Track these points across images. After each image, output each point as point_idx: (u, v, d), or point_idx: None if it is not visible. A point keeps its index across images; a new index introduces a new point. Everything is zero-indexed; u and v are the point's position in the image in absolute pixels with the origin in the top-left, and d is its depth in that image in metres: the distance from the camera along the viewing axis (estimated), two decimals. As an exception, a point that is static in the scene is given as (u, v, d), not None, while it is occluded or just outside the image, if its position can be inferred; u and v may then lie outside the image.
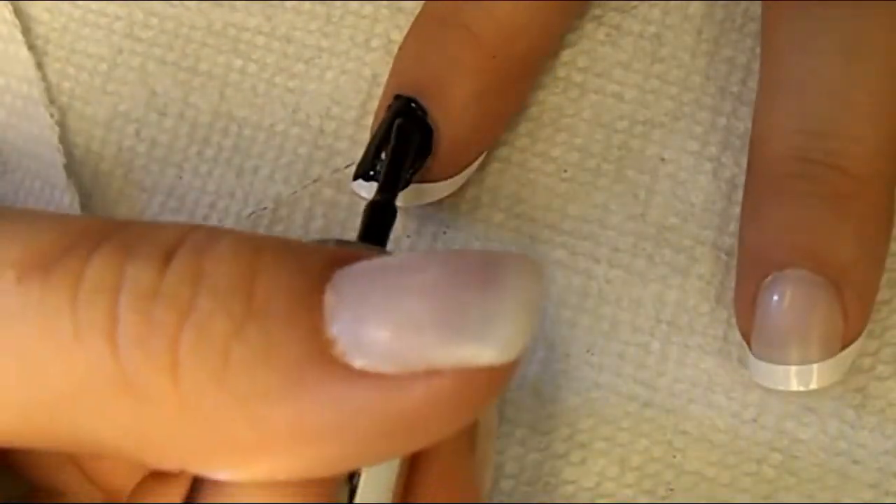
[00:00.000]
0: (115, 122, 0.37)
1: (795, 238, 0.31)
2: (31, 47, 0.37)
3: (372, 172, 0.32)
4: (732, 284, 0.33)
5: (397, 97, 0.33)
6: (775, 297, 0.31)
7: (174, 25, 0.37)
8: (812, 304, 0.30)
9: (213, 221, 0.36)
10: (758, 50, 0.34)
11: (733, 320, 0.33)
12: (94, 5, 0.37)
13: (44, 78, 0.37)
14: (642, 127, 0.35)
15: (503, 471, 0.34)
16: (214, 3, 0.37)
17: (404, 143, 0.31)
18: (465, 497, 0.26)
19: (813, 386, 0.31)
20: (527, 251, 0.35)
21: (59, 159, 0.36)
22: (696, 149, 0.35)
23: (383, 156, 0.32)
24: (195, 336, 0.22)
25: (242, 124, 0.36)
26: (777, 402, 0.33)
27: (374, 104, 0.35)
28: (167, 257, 0.23)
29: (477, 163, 0.34)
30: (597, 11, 0.36)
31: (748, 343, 0.32)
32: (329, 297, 0.22)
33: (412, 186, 0.32)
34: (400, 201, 0.32)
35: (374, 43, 0.36)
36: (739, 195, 0.34)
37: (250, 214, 0.36)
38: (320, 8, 0.37)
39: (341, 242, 0.28)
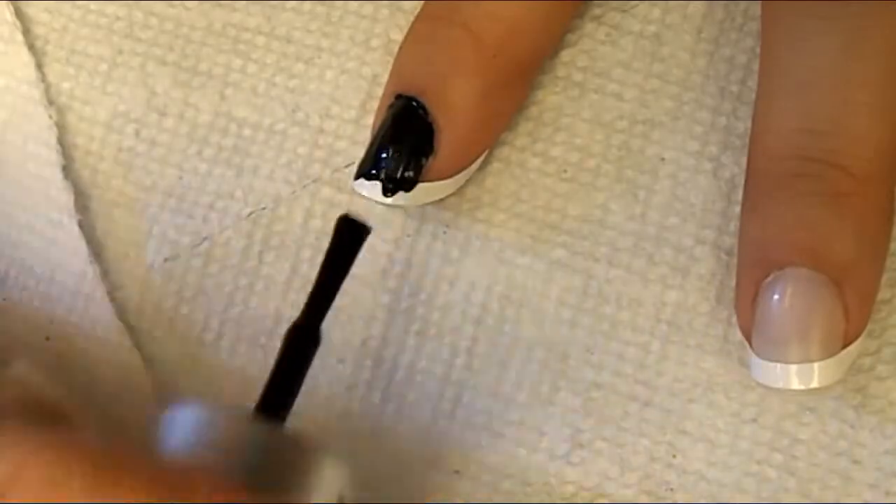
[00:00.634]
0: (115, 122, 0.37)
1: (796, 236, 0.31)
2: (31, 47, 0.37)
3: (374, 171, 0.32)
4: (732, 284, 0.33)
5: (399, 97, 0.33)
6: (776, 296, 0.31)
7: (174, 26, 0.37)
8: (813, 303, 0.30)
9: (213, 221, 0.36)
10: (758, 49, 0.34)
11: (733, 320, 0.33)
12: (93, 5, 0.37)
13: (43, 79, 0.37)
14: (642, 126, 0.35)
15: (504, 471, 0.34)
16: (214, 4, 0.37)
17: (344, 259, 0.30)
18: None
19: (814, 385, 0.31)
20: (527, 251, 0.35)
21: (58, 160, 0.36)
22: (696, 149, 0.35)
23: (385, 155, 0.32)
24: None
25: (242, 124, 0.36)
26: (777, 402, 0.33)
27: (374, 104, 0.35)
28: None
29: (479, 161, 0.34)
30: (597, 11, 0.36)
31: (749, 342, 0.32)
32: None
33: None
34: (402, 200, 0.32)
35: (374, 43, 0.36)
36: (739, 195, 0.33)
37: (250, 214, 0.36)
38: (320, 8, 0.37)
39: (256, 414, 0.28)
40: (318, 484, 0.27)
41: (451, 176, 0.33)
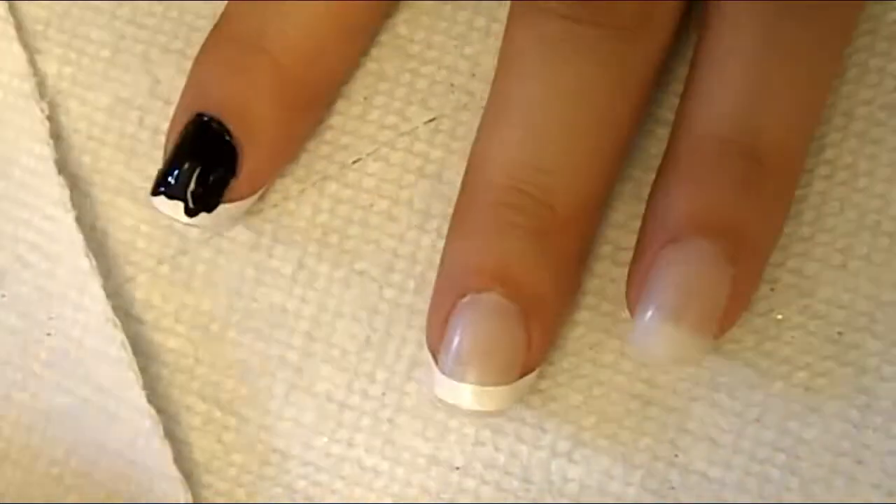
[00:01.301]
0: (118, 109, 0.37)
1: (497, 263, 0.31)
2: (32, 32, 0.37)
3: (175, 190, 0.33)
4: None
5: (200, 115, 0.33)
6: (467, 318, 0.31)
7: (178, 13, 0.37)
8: (499, 330, 0.31)
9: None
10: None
11: (738, 320, 0.33)
12: (96, -9, 0.37)
13: (35, 73, 0.37)
14: (647, 124, 0.35)
15: (506, 469, 0.34)
16: (219, -8, 0.37)
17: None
18: None
19: (487, 408, 0.31)
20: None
21: (51, 154, 0.36)
22: (703, 146, 0.35)
23: (178, 170, 0.33)
24: None
25: (248, 117, 0.36)
26: (780, 402, 0.33)
27: (380, 99, 0.35)
28: None
29: (274, 179, 0.35)
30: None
31: (434, 358, 0.32)
32: None
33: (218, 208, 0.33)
34: (200, 221, 0.33)
35: (381, 37, 0.36)
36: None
37: (259, 212, 0.36)
38: None
39: None
40: None
41: (249, 196, 0.34)
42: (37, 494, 0.35)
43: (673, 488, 0.33)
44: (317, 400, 0.35)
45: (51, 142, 0.36)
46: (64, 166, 0.36)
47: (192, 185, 0.33)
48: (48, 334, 0.35)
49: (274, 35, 0.33)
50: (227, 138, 0.33)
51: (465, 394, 0.31)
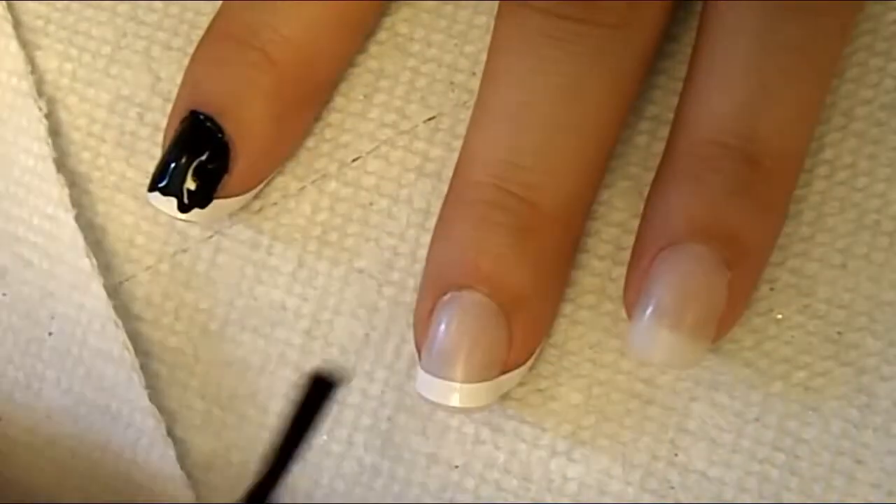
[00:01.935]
0: (118, 106, 0.37)
1: (479, 262, 0.32)
2: (32, 29, 0.37)
3: (168, 186, 0.33)
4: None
5: (194, 113, 0.33)
6: (448, 316, 0.32)
7: (179, 10, 0.37)
8: (480, 328, 0.31)
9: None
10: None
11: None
12: (96, -13, 0.37)
13: (35, 70, 0.37)
14: (648, 123, 0.35)
15: (505, 467, 0.34)
16: (220, -11, 0.37)
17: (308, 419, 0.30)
18: None
19: (467, 405, 0.32)
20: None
21: (49, 153, 0.36)
22: (703, 145, 0.35)
23: (173, 166, 0.33)
24: None
25: (247, 114, 0.36)
26: (780, 402, 0.33)
27: (380, 97, 0.35)
28: None
29: (269, 176, 0.35)
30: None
31: (419, 354, 0.32)
32: None
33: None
34: (196, 217, 0.33)
35: (381, 36, 0.36)
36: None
37: (259, 210, 0.36)
38: (327, -2, 0.36)
39: None
40: None
41: (243, 193, 0.34)
42: (39, 494, 0.36)
43: (672, 488, 0.33)
44: (317, 398, 0.35)
45: (49, 140, 0.36)
46: (64, 163, 0.36)
47: (186, 182, 0.33)
48: (50, 333, 0.35)
49: (268, 33, 0.33)
50: (220, 135, 0.33)
51: (446, 390, 0.31)
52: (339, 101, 0.36)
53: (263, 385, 0.35)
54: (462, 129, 0.34)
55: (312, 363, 0.35)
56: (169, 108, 0.35)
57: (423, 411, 0.34)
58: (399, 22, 0.36)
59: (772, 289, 0.33)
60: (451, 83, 0.36)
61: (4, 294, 0.36)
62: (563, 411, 0.34)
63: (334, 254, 0.35)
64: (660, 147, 0.34)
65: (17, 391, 0.36)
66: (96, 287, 0.35)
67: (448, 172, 0.34)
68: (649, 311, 0.31)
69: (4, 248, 0.36)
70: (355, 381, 0.35)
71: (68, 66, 0.37)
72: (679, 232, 0.31)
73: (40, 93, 0.36)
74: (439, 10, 0.36)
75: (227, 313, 0.35)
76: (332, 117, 0.36)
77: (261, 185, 0.35)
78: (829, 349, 0.33)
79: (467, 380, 0.31)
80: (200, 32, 0.36)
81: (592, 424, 0.34)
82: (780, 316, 0.33)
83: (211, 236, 0.36)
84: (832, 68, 0.33)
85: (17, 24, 0.37)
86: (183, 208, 0.33)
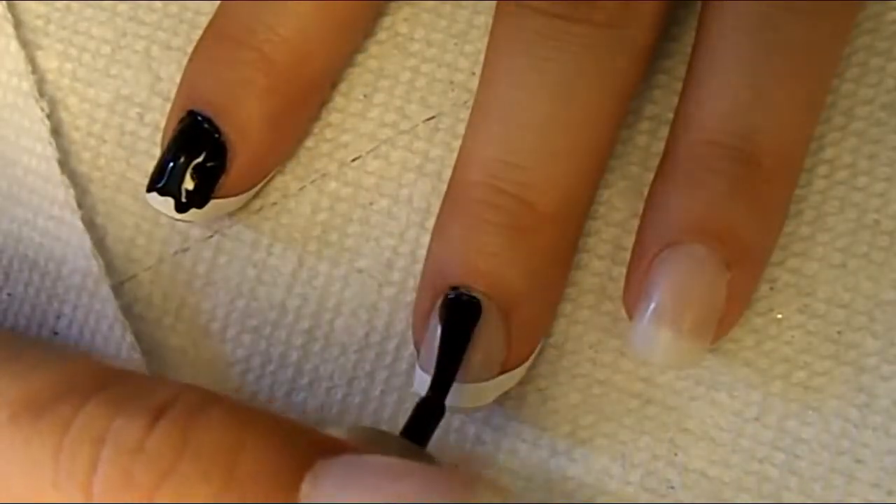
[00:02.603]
0: (119, 106, 0.37)
1: (476, 261, 0.32)
2: (33, 28, 0.37)
3: (166, 185, 0.33)
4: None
5: (191, 113, 0.34)
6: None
7: (179, 10, 0.37)
8: (479, 328, 0.31)
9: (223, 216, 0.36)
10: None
11: (737, 318, 0.33)
12: (96, -13, 0.37)
13: (35, 70, 0.37)
14: (649, 123, 0.35)
15: (504, 467, 0.34)
16: (220, -11, 0.37)
17: (460, 338, 0.31)
18: None
19: (466, 405, 0.32)
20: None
21: (53, 153, 0.36)
22: (703, 145, 0.35)
23: (171, 166, 0.33)
24: (171, 498, 0.22)
25: (247, 113, 0.36)
26: (779, 401, 0.33)
27: (380, 97, 0.35)
28: (157, 415, 0.24)
29: (269, 176, 0.35)
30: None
31: (417, 352, 0.33)
32: (306, 486, 0.23)
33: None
34: (194, 217, 0.33)
35: (381, 35, 0.36)
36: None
37: (259, 210, 0.36)
38: (327, -2, 0.36)
39: (379, 434, 0.30)
40: None
41: (241, 193, 0.34)
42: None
43: (672, 487, 0.33)
44: (317, 399, 0.35)
45: (52, 141, 0.36)
46: (64, 163, 0.36)
47: (184, 182, 0.33)
48: (55, 333, 0.35)
49: (265, 33, 0.33)
50: (218, 135, 0.33)
51: None
52: (339, 100, 0.36)
53: (265, 386, 0.35)
54: (462, 129, 0.34)
55: (313, 363, 0.35)
56: (168, 107, 0.35)
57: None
58: (399, 21, 0.36)
59: (772, 288, 0.33)
60: (451, 83, 0.36)
61: (9, 294, 0.36)
62: (563, 411, 0.34)
63: (334, 254, 0.35)
64: (660, 147, 0.34)
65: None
66: (104, 289, 0.35)
67: (448, 172, 0.34)
68: (649, 311, 0.31)
69: (8, 249, 0.36)
70: (356, 382, 0.35)
71: (68, 67, 0.37)
72: (679, 232, 0.31)
73: (41, 93, 0.36)
74: (439, 9, 0.36)
75: (228, 314, 0.35)
76: (332, 117, 0.36)
77: (259, 185, 0.35)
78: (828, 349, 0.33)
79: (465, 380, 0.31)
80: (200, 32, 0.36)
81: (592, 424, 0.34)
82: (780, 316, 0.33)
83: (211, 236, 0.36)
84: (832, 68, 0.33)
85: (17, 24, 0.37)
86: (181, 208, 0.33)
